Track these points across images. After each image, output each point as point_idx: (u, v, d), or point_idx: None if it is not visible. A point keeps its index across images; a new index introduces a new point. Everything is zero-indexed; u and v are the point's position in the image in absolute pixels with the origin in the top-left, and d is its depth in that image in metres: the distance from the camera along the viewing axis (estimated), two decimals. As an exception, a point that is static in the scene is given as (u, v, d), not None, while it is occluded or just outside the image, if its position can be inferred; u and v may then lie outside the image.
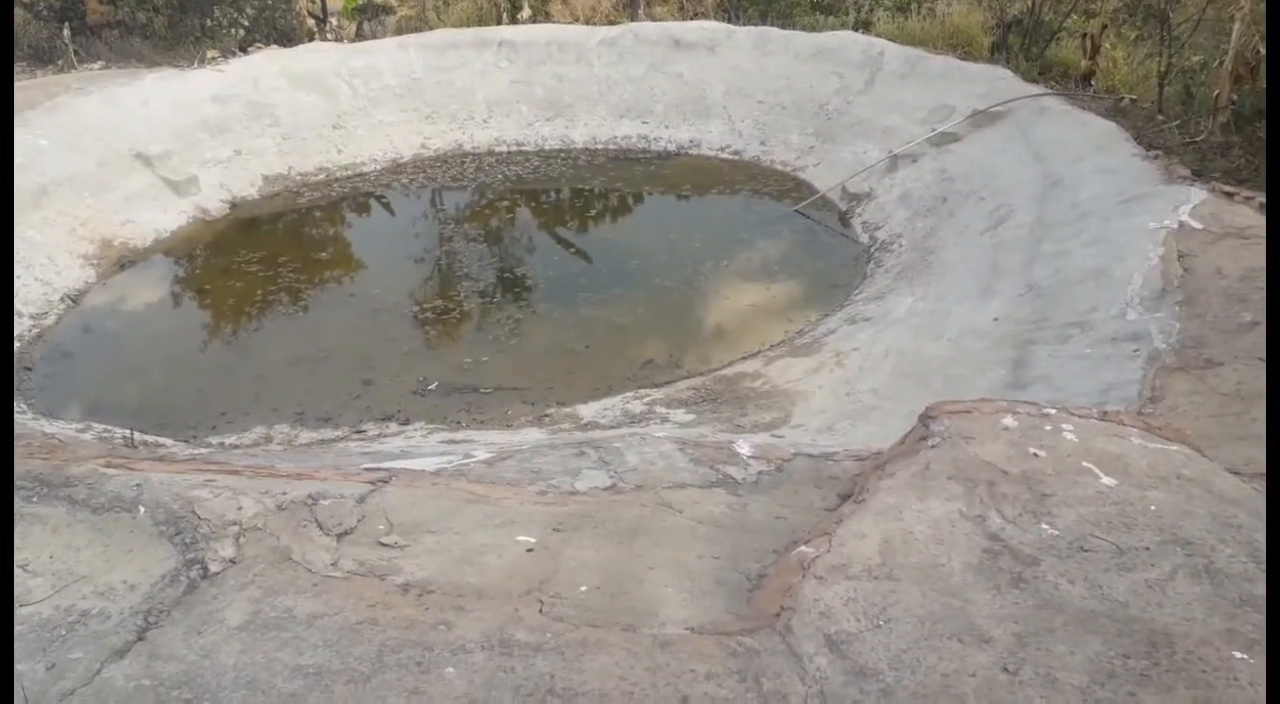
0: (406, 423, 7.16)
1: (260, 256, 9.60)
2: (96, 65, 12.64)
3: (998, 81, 10.60)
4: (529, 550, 3.13)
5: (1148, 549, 2.81)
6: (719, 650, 2.47)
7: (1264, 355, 5.20)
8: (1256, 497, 3.24)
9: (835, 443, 5.71)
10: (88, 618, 2.57)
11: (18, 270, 8.59)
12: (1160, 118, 8.88)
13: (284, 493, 3.12)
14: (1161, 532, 2.90)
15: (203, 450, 5.76)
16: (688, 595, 2.84)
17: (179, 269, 9.62)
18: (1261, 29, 7.95)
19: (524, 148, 12.45)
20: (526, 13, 14.65)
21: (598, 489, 3.88)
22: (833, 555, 2.83)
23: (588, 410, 7.13)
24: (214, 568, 2.74)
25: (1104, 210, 7.35)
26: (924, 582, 2.67)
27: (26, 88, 11.07)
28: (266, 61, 12.39)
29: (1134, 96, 9.66)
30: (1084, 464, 3.30)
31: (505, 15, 14.58)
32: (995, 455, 3.38)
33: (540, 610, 2.68)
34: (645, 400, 7.20)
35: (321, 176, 11.59)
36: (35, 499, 3.09)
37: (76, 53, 12.68)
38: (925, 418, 3.75)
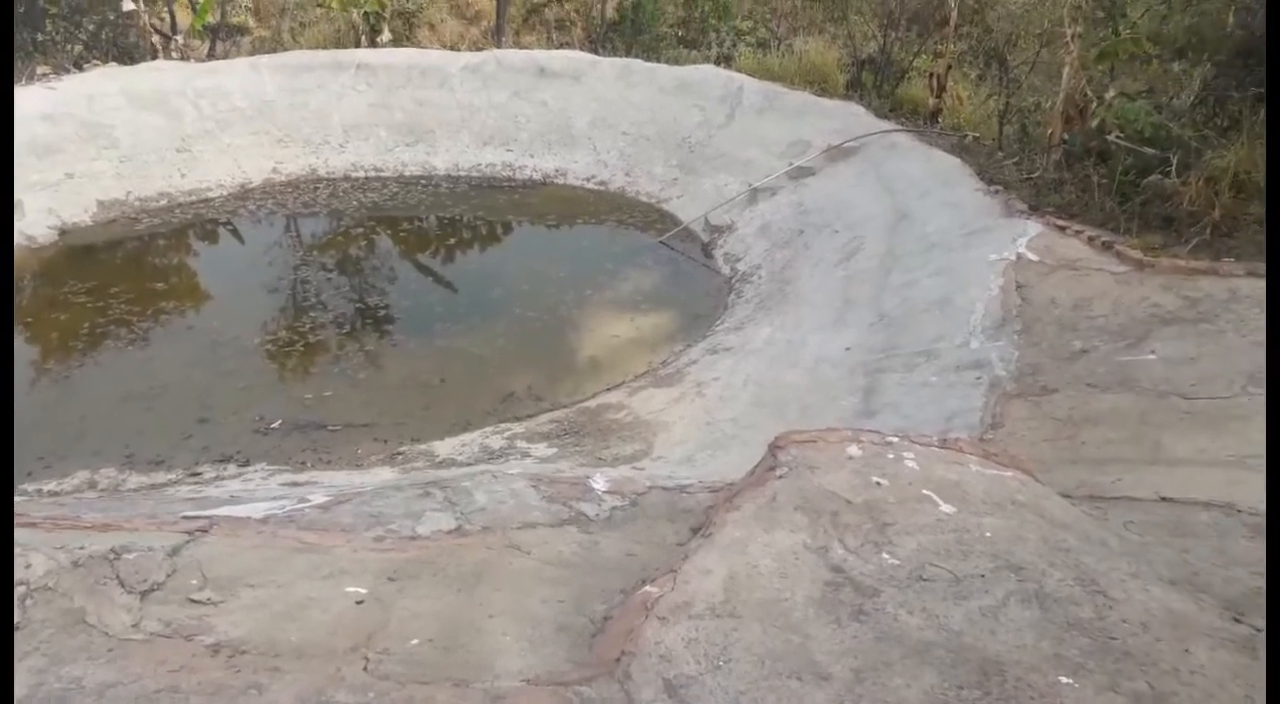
0: (246, 464, 6.75)
1: (90, 287, 8.94)
2: (-93, 79, 11.61)
3: (852, 117, 10.96)
4: (359, 602, 2.93)
5: (983, 576, 2.84)
6: (554, 702, 2.34)
7: (1092, 382, 5.48)
8: (1085, 519, 3.35)
9: (694, 474, 5.68)
10: None
11: None
12: (1000, 154, 9.36)
13: (82, 547, 2.82)
14: (995, 558, 2.94)
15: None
16: (527, 644, 2.70)
17: None
18: (1088, 74, 8.51)
19: (383, 174, 12.11)
20: (387, 36, 14.33)
21: (441, 532, 3.69)
22: (676, 594, 2.74)
23: (444, 447, 6.90)
24: (-13, 638, 2.43)
25: (949, 242, 7.65)
26: (766, 618, 2.62)
27: None
28: (104, 79, 11.65)
29: (977, 134, 10.16)
30: (924, 492, 3.34)
31: (364, 39, 14.21)
32: (840, 485, 3.38)
33: (365, 668, 2.49)
34: (505, 435, 7.02)
35: (163, 202, 10.95)
36: None
37: (-115, 65, 11.62)
38: (774, 448, 3.74)
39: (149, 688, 2.30)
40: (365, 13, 14.03)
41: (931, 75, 11.18)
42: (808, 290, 8.46)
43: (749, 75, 12.62)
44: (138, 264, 9.78)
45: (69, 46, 13.02)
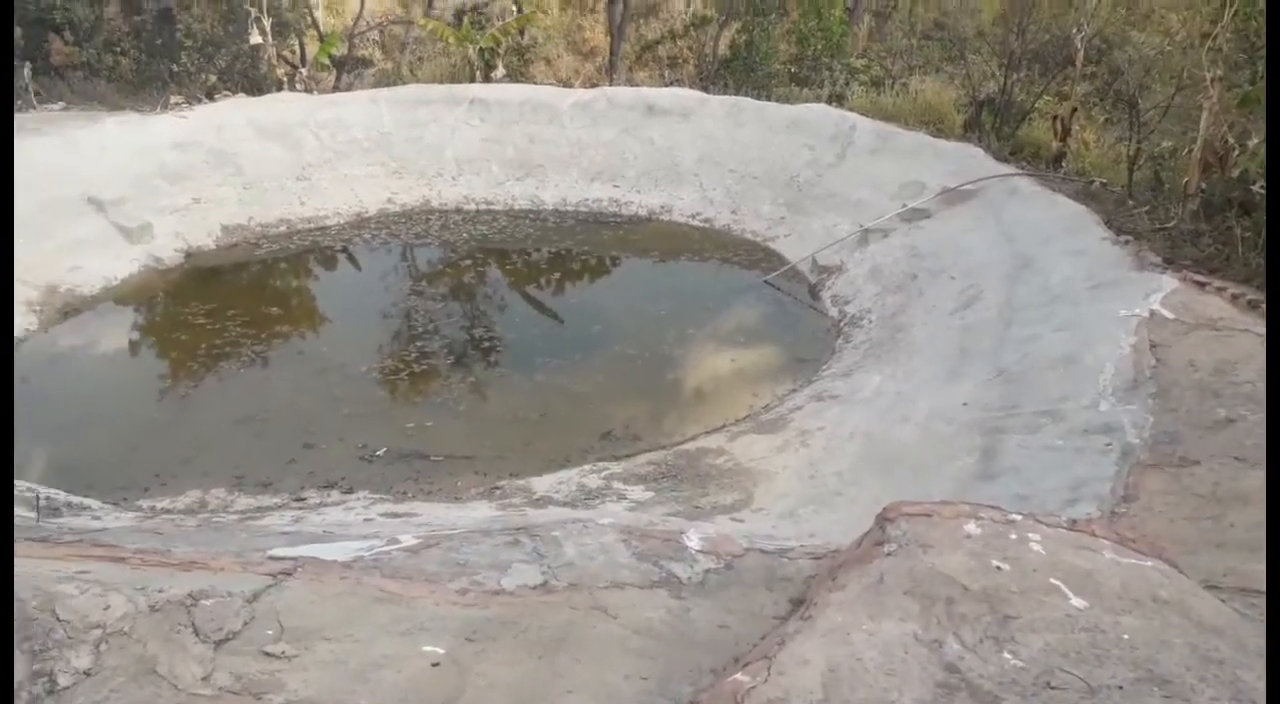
0: (350, 491, 6.80)
1: (210, 309, 9.26)
2: (57, 106, 12.39)
3: (969, 159, 10.58)
4: (434, 664, 2.80)
5: (1121, 688, 2.53)
6: (633, 805, 2.14)
7: (1240, 455, 5.00)
8: (1240, 624, 2.97)
9: (796, 531, 5.42)
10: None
11: (-51, 316, 8.20)
12: (1130, 203, 8.83)
13: (160, 590, 2.78)
14: (1136, 667, 2.62)
15: (97, 524, 5.37)
16: (607, 728, 2.52)
17: (125, 319, 9.26)
18: (1229, 120, 7.96)
19: (493, 207, 12.26)
20: (501, 72, 14.61)
21: (526, 587, 3.55)
22: (770, 686, 2.52)
23: (542, 483, 6.81)
24: (63, 682, 2.39)
25: (1074, 295, 7.21)
26: (871, 723, 2.37)
27: (-19, 127, 10.77)
28: (232, 110, 12.19)
29: (1104, 180, 9.64)
30: (1051, 581, 3.03)
31: (479, 74, 14.51)
32: (955, 568, 3.09)
33: (435, 745, 2.35)
34: (603, 475, 6.89)
35: (282, 229, 11.32)
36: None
37: (37, 93, 12.43)
38: (882, 520, 3.47)
39: (214, 753, 2.21)
40: (480, 48, 14.33)
41: (1055, 117, 10.72)
42: (921, 339, 8.10)
43: (862, 114, 12.35)
44: (255, 288, 10.11)
45: (203, 77, 13.66)
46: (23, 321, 8.61)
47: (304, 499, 6.62)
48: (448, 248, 11.27)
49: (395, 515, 6.10)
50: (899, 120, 12.42)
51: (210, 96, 13.20)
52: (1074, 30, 10.52)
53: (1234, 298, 6.43)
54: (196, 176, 11.19)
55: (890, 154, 11.43)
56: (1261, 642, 2.87)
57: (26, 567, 2.90)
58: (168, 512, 6.30)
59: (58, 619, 2.57)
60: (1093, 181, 9.68)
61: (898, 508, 3.55)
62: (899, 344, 8.19)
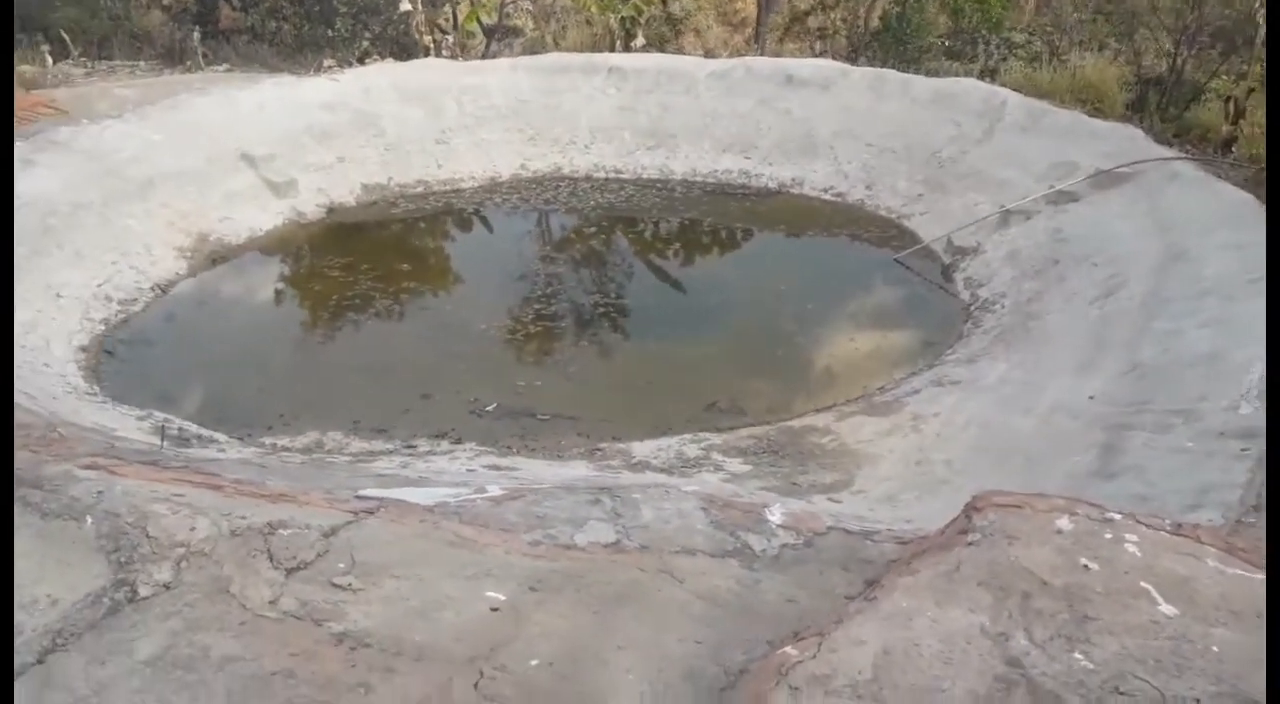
0: (459, 442, 7.00)
1: (346, 263, 9.68)
2: (222, 68, 13.15)
3: (1127, 141, 9.89)
4: (494, 609, 2.85)
5: (1198, 701, 2.33)
6: (656, 763, 2.12)
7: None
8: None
9: (894, 515, 5.25)
10: None
11: (114, 257, 8.89)
12: (1305, 191, 8.06)
13: (243, 517, 2.92)
14: (1219, 681, 2.41)
15: (220, 455, 5.70)
16: (648, 688, 2.51)
17: (266, 268, 9.79)
18: None
19: (622, 175, 12.30)
20: (640, 41, 14.58)
21: (598, 545, 3.56)
22: (818, 663, 2.44)
23: (642, 449, 6.83)
24: (143, 592, 2.55)
25: (1228, 290, 6.66)
26: (916, 710, 2.26)
27: (151, 85, 11.58)
28: (379, 74, 12.64)
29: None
30: (1142, 584, 2.82)
31: (619, 43, 14.52)
32: (1039, 562, 2.92)
33: (475, 684, 2.39)
34: (703, 445, 6.85)
35: (419, 189, 11.70)
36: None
37: (205, 55, 13.23)
38: (970, 508, 3.31)
39: (266, 668, 2.31)
40: (622, 17, 14.33)
41: (1229, 99, 9.86)
42: (1054, 328, 7.67)
43: (1014, 90, 11.71)
44: (389, 244, 10.50)
45: (357, 42, 14.22)
46: (173, 266, 9.22)
47: (414, 447, 6.86)
48: (574, 214, 11.40)
49: (497, 468, 6.24)
50: (1055, 98, 11.74)
51: (362, 61, 13.72)
52: (1256, 4, 9.64)
53: None
54: (342, 136, 11.67)
55: (1041, 133, 10.82)
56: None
57: (130, 485, 3.10)
58: (286, 449, 6.65)
59: (147, 535, 2.74)
60: (1264, 168, 8.87)
61: (988, 497, 3.37)
62: (1030, 332, 7.78)
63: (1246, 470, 4.79)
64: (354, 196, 11.26)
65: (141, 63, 13.80)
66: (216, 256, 9.73)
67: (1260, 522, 4.50)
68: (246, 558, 2.75)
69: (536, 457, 6.76)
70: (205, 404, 7.32)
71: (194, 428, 6.89)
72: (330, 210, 10.96)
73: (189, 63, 12.99)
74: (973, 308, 8.87)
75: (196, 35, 13.24)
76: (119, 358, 7.94)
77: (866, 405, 7.24)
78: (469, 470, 6.07)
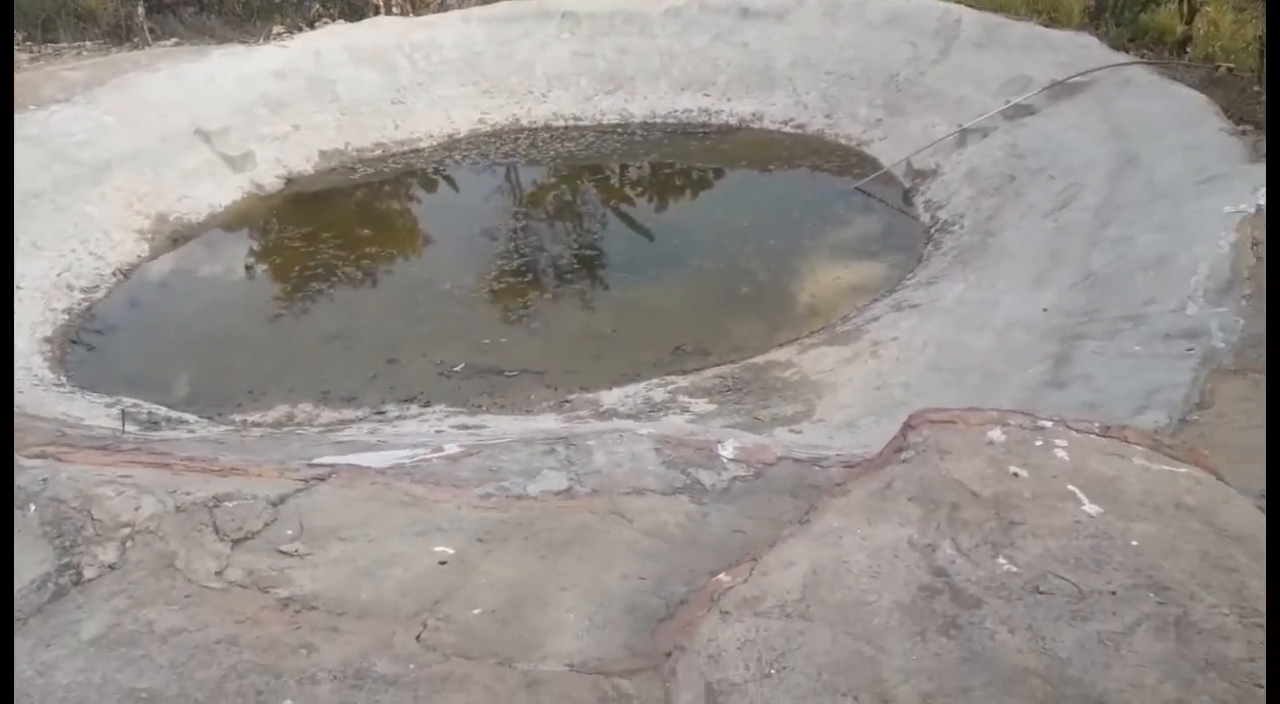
0: (427, 405, 7.06)
1: (306, 232, 9.64)
2: (170, 42, 12.90)
3: (1082, 50, 9.82)
4: (442, 563, 2.92)
5: (1114, 594, 2.42)
6: (590, 695, 2.21)
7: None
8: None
9: (851, 442, 5.34)
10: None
11: (73, 245, 8.83)
12: (1256, 89, 8.05)
13: (188, 493, 2.98)
14: (1137, 573, 2.50)
15: (167, 435, 5.75)
16: (589, 624, 2.59)
17: (228, 244, 9.74)
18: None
19: (581, 123, 12.18)
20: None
21: (549, 493, 3.63)
22: (749, 586, 2.52)
23: (610, 397, 6.90)
24: (89, 574, 2.61)
25: (1179, 192, 6.69)
26: (841, 623, 2.35)
27: (98, 66, 11.36)
28: (330, 37, 12.41)
29: (1231, 65, 8.79)
30: (1069, 488, 2.90)
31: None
32: (969, 474, 3.00)
33: (419, 636, 2.46)
34: (669, 388, 6.93)
35: (377, 152, 11.58)
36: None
37: (152, 30, 12.96)
38: (906, 427, 3.38)
39: (211, 637, 2.38)
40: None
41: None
42: (1011, 243, 7.72)
43: (968, 6, 11.57)
44: (349, 211, 10.43)
45: (306, 5, 13.93)
46: (134, 249, 9.17)
47: (383, 412, 6.92)
48: (535, 166, 11.31)
49: (466, 428, 6.31)
50: (1009, 11, 11.58)
51: (312, 25, 13.46)
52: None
53: (1357, 188, 5.83)
54: (296, 104, 11.51)
55: (997, 48, 10.73)
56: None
57: (76, 471, 3.15)
58: (257, 425, 6.70)
59: (91, 518, 2.79)
60: (1218, 67, 8.84)
61: (923, 415, 3.45)
62: (988, 249, 7.83)
63: (1190, 370, 4.88)
64: (312, 165, 11.15)
65: (88, 43, 13.52)
66: (178, 236, 9.67)
67: (1204, 419, 4.61)
68: (191, 532, 2.80)
69: (506, 413, 6.82)
70: (174, 387, 7.35)
71: (163, 411, 6.92)
72: (289, 181, 10.86)
73: (136, 39, 12.73)
74: (933, 230, 8.90)
75: (142, 10, 12.96)
76: (85, 346, 7.94)
77: (828, 336, 7.31)
78: (437, 432, 6.14)
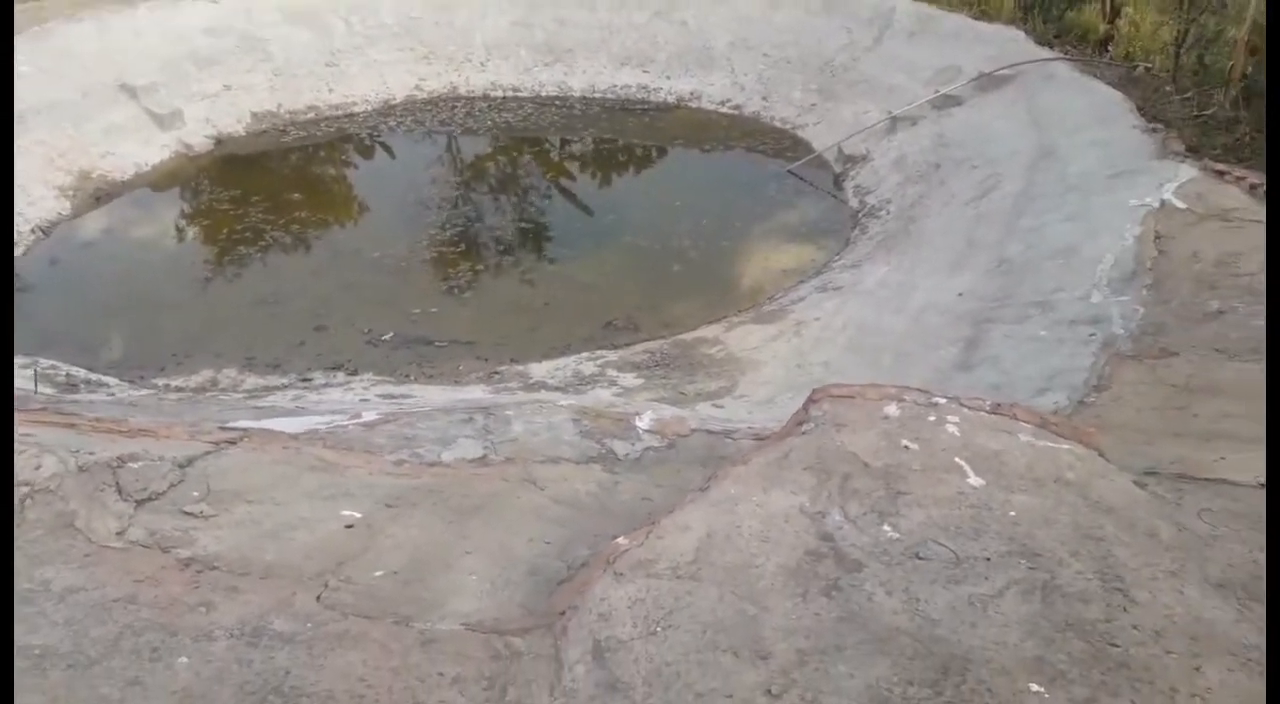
0: (354, 373, 7.03)
1: (235, 195, 9.47)
2: (93, -8, 12.45)
3: (1010, 43, 10.08)
4: (348, 527, 2.97)
5: (987, 560, 2.58)
6: (482, 652, 2.29)
7: (1221, 347, 4.88)
8: (1142, 505, 2.98)
9: (769, 417, 5.47)
10: None
11: (-13, 200, 8.53)
12: (1170, 88, 8.36)
13: (92, 453, 2.97)
14: (1011, 541, 2.66)
15: (86, 397, 5.66)
16: (490, 586, 2.66)
17: (153, 204, 9.51)
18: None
19: (519, 94, 12.11)
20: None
21: (464, 460, 3.70)
22: (644, 549, 2.63)
23: (539, 369, 6.95)
24: (-14, 531, 2.60)
25: (1090, 185, 6.95)
26: (727, 584, 2.47)
27: (18, 13, 10.92)
28: (263, -6, 12.13)
29: (1149, 65, 9.10)
30: (956, 461, 3.06)
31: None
32: (863, 446, 3.14)
33: (319, 596, 2.51)
34: (599, 362, 7.01)
35: (311, 116, 11.38)
36: None
37: (74, -21, 12.49)
38: (809, 402, 3.52)
39: (109, 596, 2.40)
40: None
41: (1106, -1, 10.09)
42: (932, 230, 7.93)
43: (905, -6, 11.76)
44: (280, 175, 10.26)
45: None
46: (55, 206, 8.92)
47: (309, 380, 6.87)
48: (470, 136, 11.23)
49: (392, 397, 6.32)
50: (943, 2, 11.80)
51: (243, -20, 13.10)
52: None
53: (1252, 187, 6.12)
54: (227, 62, 11.24)
55: (929, 38, 10.95)
56: (1160, 523, 2.89)
57: (-23, 427, 3.11)
58: (179, 389, 6.62)
59: (-8, 474, 2.77)
60: (1136, 66, 9.15)
61: (826, 390, 3.59)
62: (911, 235, 8.03)
63: (1091, 354, 5.10)
64: (243, 126, 10.92)
65: (5, -9, 13.00)
66: (101, 194, 9.42)
67: (1101, 401, 4.83)
68: (94, 492, 2.80)
69: (434, 383, 6.83)
70: (95, 348, 7.20)
71: (82, 374, 6.79)
72: (219, 141, 10.63)
73: (55, -12, 12.26)
74: (860, 215, 9.09)
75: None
76: None
77: (755, 314, 7.45)
78: (361, 401, 6.13)
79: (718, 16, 12.22)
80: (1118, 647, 2.26)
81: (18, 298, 7.83)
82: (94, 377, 6.77)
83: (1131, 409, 4.66)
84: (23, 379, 6.28)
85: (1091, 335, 5.30)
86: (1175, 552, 2.72)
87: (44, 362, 6.90)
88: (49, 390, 6.16)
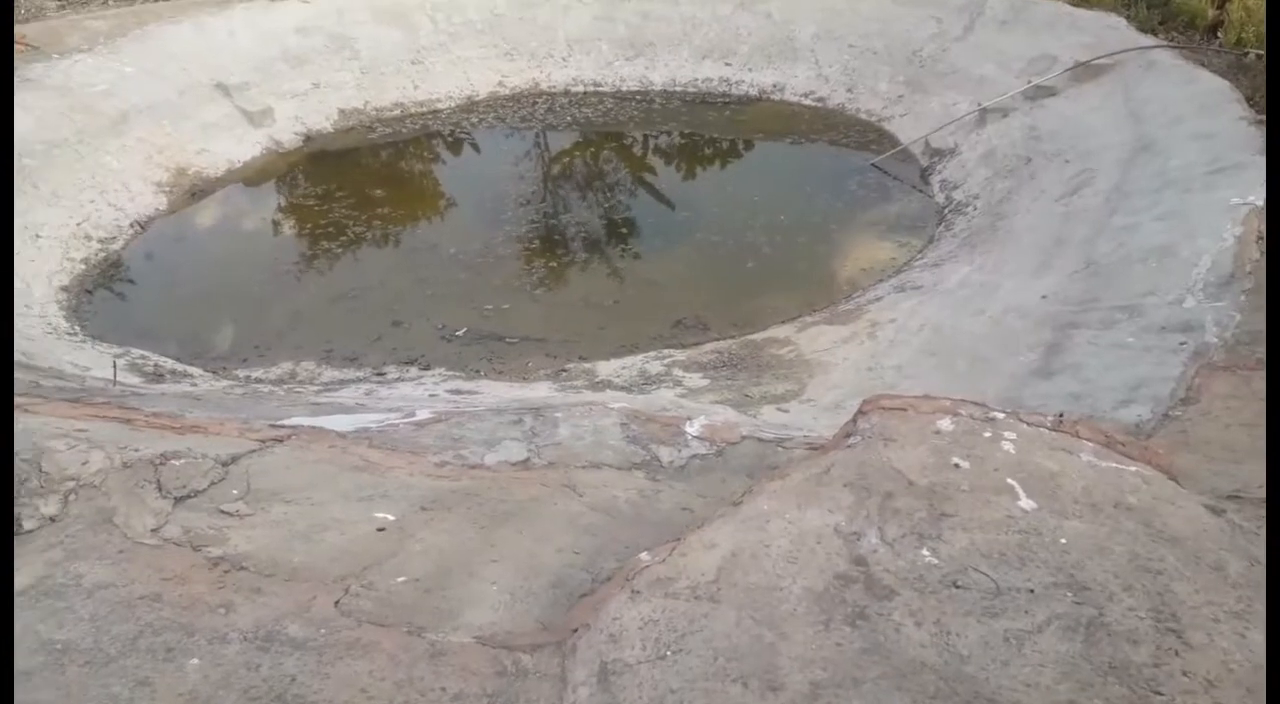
0: (427, 368, 7.13)
1: (321, 191, 9.72)
2: (193, -7, 12.92)
3: (1108, 30, 9.59)
4: (379, 529, 2.96)
5: (1030, 591, 2.41)
6: (489, 668, 2.24)
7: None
8: (1213, 535, 2.75)
9: (835, 423, 5.31)
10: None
11: (92, 195, 8.95)
12: (1285, 75, 7.80)
13: (137, 450, 3.04)
14: (1058, 571, 2.48)
15: (164, 388, 5.84)
16: (510, 597, 2.62)
17: (245, 200, 9.82)
18: None
19: (600, 89, 12.09)
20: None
21: (506, 463, 3.67)
22: (666, 566, 2.54)
23: (606, 368, 6.93)
24: (28, 526, 2.68)
25: (1188, 180, 6.54)
26: (748, 607, 2.36)
27: (122, 15, 11.41)
28: (353, -6, 12.40)
29: (1261, 52, 8.52)
30: (1008, 481, 2.88)
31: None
32: (910, 463, 2.98)
33: (337, 602, 2.51)
34: (666, 361, 6.94)
35: (396, 112, 11.59)
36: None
37: (176, -19, 12.99)
38: (858, 413, 3.37)
39: (135, 593, 2.44)
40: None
41: (1217, -19, 9.48)
42: (1020, 227, 7.59)
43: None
44: (365, 171, 10.47)
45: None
46: (153, 201, 9.28)
47: (384, 374, 6.99)
48: (550, 132, 11.27)
49: (460, 392, 6.37)
50: (1042, -13, 11.30)
51: (335, -19, 13.42)
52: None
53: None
54: (316, 61, 11.53)
55: (1022, 26, 10.51)
56: (1229, 557, 2.67)
57: (34, 423, 3.22)
58: (260, 381, 6.80)
59: (40, 470, 2.86)
60: (1247, 53, 8.58)
61: (876, 400, 3.43)
62: (997, 232, 7.71)
63: (1180, 364, 4.79)
64: (331, 123, 11.19)
65: (115, -7, 13.62)
66: (196, 190, 9.76)
67: (1188, 414, 4.53)
68: (134, 488, 2.87)
69: (503, 379, 6.87)
70: (184, 339, 7.46)
71: (169, 364, 7.05)
72: (308, 138, 10.91)
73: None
74: (946, 211, 8.78)
75: (166, -37, 12.99)
76: (99, 297, 8.08)
77: (829, 314, 7.26)
78: (430, 395, 6.20)
79: (803, 7, 11.96)
80: (1162, 695, 2.08)
81: (117, 289, 8.19)
82: (180, 367, 7.02)
83: (1220, 425, 4.35)
84: (106, 370, 6.54)
85: (1182, 343, 4.97)
86: (1242, 589, 2.50)
87: (135, 351, 7.20)
88: (136, 380, 6.41)
